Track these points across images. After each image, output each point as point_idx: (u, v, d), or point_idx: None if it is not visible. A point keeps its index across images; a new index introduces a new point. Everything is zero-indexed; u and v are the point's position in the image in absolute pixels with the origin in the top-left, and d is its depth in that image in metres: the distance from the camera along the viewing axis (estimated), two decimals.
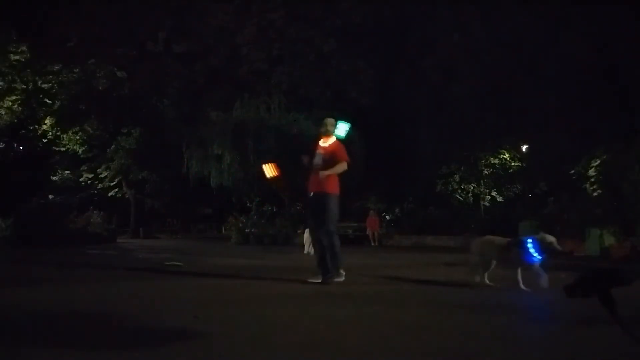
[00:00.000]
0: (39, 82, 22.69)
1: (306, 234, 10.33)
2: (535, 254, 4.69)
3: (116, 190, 26.76)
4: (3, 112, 22.41)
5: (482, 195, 19.65)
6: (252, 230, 19.38)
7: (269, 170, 7.93)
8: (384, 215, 20.91)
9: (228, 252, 12.60)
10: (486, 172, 19.69)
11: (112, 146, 24.07)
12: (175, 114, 23.81)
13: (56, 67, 22.41)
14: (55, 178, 28.42)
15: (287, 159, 18.56)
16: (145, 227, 27.00)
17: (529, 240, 4.78)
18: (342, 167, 5.62)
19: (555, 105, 17.52)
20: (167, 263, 8.11)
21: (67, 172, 28.21)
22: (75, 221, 16.39)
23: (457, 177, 20.01)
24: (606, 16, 16.25)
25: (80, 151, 25.06)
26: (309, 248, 9.90)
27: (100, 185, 26.11)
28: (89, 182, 26.18)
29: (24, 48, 21.43)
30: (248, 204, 23.86)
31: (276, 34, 21.85)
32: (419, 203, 20.52)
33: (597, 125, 15.68)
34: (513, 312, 3.87)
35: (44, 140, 24.79)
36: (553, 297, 4.28)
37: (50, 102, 23.27)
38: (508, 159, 19.72)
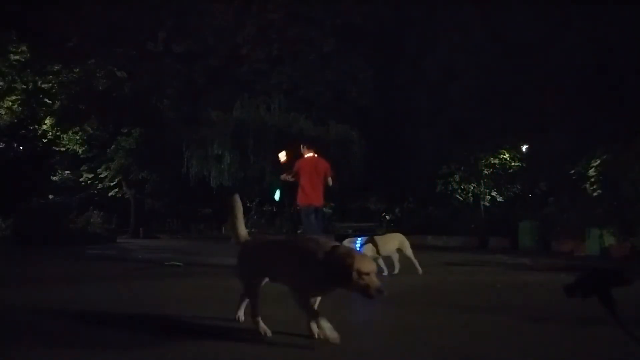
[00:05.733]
0: (39, 82, 22.62)
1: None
2: None
3: (116, 190, 26.71)
4: (3, 112, 22.35)
5: (482, 195, 19.57)
6: (252, 230, 19.40)
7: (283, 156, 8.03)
8: (384, 215, 20.87)
9: (228, 252, 12.56)
10: (486, 172, 19.61)
11: (112, 146, 24.01)
12: (175, 114, 23.78)
13: (56, 67, 22.34)
14: (55, 178, 28.35)
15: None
16: (145, 227, 26.91)
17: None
18: None
19: (555, 105, 17.52)
20: (167, 263, 8.10)
21: (67, 172, 28.13)
22: (75, 221, 16.34)
23: (457, 177, 19.94)
24: (606, 16, 16.27)
25: (80, 151, 25.01)
26: None
27: (100, 185, 26.05)
28: (89, 182, 26.11)
29: (24, 48, 21.37)
30: (248, 204, 23.85)
31: (276, 34, 21.87)
32: (419, 203, 20.49)
33: (597, 125, 15.67)
34: (513, 312, 3.87)
35: (44, 140, 24.74)
36: (553, 297, 4.28)
37: (50, 102, 23.20)
38: (508, 159, 19.65)
